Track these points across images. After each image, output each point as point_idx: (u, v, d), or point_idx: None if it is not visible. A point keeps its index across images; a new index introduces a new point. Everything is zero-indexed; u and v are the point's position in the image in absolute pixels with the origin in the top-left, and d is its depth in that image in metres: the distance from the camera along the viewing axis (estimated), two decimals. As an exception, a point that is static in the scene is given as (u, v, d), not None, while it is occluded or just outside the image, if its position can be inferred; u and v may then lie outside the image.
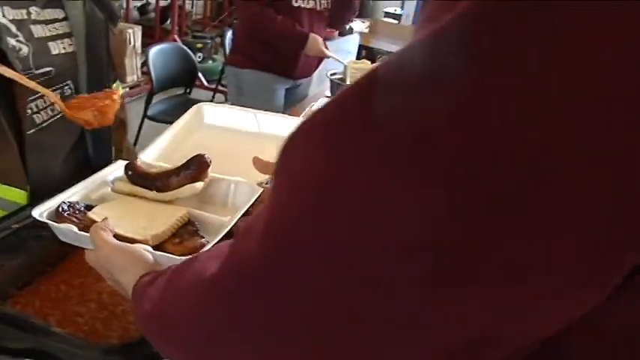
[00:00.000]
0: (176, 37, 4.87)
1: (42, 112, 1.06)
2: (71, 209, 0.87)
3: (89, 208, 0.89)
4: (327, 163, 0.35)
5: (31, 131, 1.03)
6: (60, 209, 0.86)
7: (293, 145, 0.39)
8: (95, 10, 1.17)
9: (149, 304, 0.54)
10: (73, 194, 0.91)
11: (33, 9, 1.08)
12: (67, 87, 1.15)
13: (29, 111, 1.05)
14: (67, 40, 1.13)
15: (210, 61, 5.26)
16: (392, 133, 0.32)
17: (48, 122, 1.07)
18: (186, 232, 0.87)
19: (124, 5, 5.52)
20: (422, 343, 0.35)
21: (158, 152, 1.11)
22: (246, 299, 0.39)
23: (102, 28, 1.18)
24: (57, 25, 1.11)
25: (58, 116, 1.07)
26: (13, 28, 1.00)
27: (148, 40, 4.44)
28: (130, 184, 0.97)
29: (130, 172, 0.98)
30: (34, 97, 1.04)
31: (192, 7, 6.20)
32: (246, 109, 1.29)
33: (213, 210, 0.98)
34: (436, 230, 0.31)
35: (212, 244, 0.81)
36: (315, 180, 0.36)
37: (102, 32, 1.18)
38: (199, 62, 4.33)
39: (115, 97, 0.95)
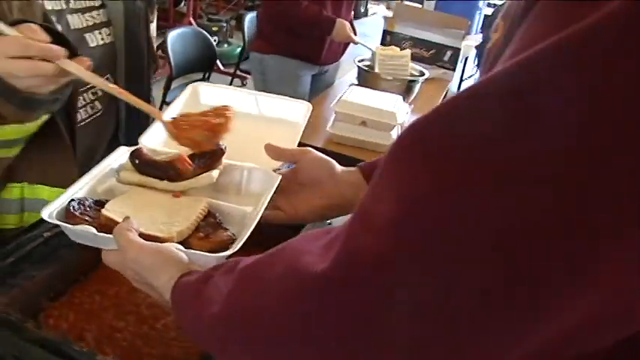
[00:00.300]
0: (191, 20, 4.78)
1: (81, 110, 1.00)
2: (82, 207, 0.77)
3: (98, 203, 0.80)
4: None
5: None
6: (71, 208, 0.76)
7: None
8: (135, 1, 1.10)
9: (217, 305, 0.50)
10: (79, 189, 0.82)
11: (74, 1, 1.01)
12: (111, 79, 1.08)
13: (81, 101, 1.01)
14: (104, 30, 1.06)
15: (225, 45, 5.17)
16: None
17: (86, 121, 1.00)
18: (209, 224, 0.79)
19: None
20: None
21: (157, 136, 1.01)
22: (366, 296, 0.37)
23: (142, 16, 1.11)
24: (94, 13, 1.04)
25: (98, 114, 1.01)
26: (54, 20, 0.93)
27: (162, 24, 4.34)
28: (138, 174, 0.87)
29: (136, 161, 0.87)
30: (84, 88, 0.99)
31: (206, -11, 6.10)
32: (244, 89, 1.21)
33: (227, 198, 0.90)
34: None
35: (242, 239, 0.73)
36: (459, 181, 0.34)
37: (142, 20, 1.12)
38: (216, 46, 4.24)
39: (229, 113, 0.86)
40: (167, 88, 3.06)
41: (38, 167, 0.92)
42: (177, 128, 0.86)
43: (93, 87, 1.04)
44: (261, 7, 2.72)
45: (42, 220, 0.86)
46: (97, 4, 1.06)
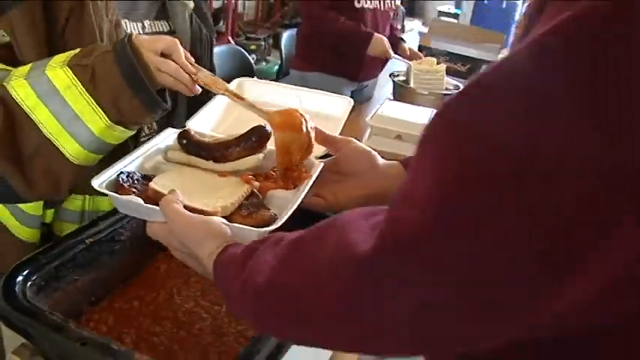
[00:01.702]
0: (230, 38, 4.87)
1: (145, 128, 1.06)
2: (130, 180, 0.81)
3: (146, 178, 0.83)
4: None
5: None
6: (120, 180, 0.80)
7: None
8: (200, 25, 1.14)
9: (262, 275, 0.52)
10: (129, 164, 0.85)
11: (146, 22, 1.06)
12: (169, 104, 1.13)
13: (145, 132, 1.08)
14: None
15: (263, 63, 5.24)
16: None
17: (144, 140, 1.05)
18: (252, 204, 0.81)
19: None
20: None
21: (203, 122, 1.06)
22: (408, 273, 0.39)
23: (207, 42, 1.16)
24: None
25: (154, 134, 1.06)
26: None
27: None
28: (185, 154, 0.91)
29: (184, 141, 0.91)
30: None
31: (243, 9, 6.20)
32: (286, 85, 1.26)
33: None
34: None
35: (284, 217, 0.75)
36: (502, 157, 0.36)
37: (206, 46, 1.17)
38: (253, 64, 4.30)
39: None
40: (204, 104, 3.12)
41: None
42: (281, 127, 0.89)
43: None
44: (301, 25, 2.77)
45: (84, 228, 0.90)
46: (165, 29, 1.10)
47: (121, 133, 0.89)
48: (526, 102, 0.35)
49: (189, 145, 0.92)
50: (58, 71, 0.82)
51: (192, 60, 0.89)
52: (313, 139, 0.89)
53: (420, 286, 0.39)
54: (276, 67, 4.28)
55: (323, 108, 1.16)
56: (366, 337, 0.45)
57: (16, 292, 0.73)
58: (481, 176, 0.36)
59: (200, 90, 0.91)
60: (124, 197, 0.77)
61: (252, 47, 5.10)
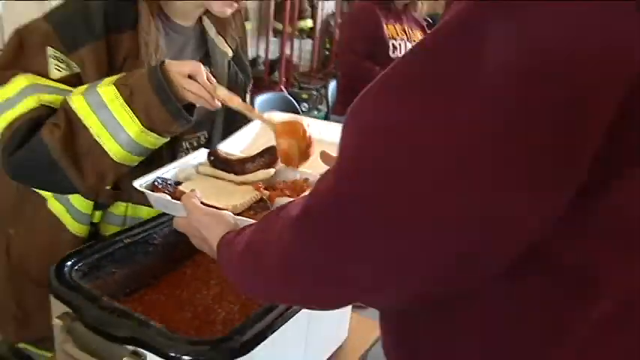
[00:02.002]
0: (282, 87, 5.14)
1: (182, 153, 1.24)
2: (164, 183, 1.02)
3: (178, 184, 1.04)
4: (393, 121, 0.48)
5: None
6: (155, 182, 1.02)
7: (362, 107, 0.52)
8: (237, 70, 1.34)
9: (240, 246, 0.68)
10: (165, 172, 1.07)
11: None
12: (202, 137, 1.32)
13: (185, 145, 1.28)
14: None
15: (315, 112, 5.50)
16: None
17: None
18: (260, 207, 1.00)
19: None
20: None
21: (234, 145, 1.25)
22: (319, 234, 0.53)
23: (242, 86, 1.35)
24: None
25: None
26: None
27: (256, 91, 4.72)
28: (212, 168, 1.12)
29: (212, 158, 1.13)
30: (188, 136, 1.26)
31: (299, 60, 6.51)
32: (311, 118, 1.41)
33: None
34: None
35: None
36: (384, 134, 0.49)
37: (241, 90, 1.35)
38: (305, 112, 4.54)
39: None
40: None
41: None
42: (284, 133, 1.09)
43: (191, 138, 1.30)
44: (339, 72, 2.98)
45: (124, 230, 1.09)
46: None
47: (155, 140, 1.08)
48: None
49: (216, 161, 1.13)
50: (106, 88, 1.03)
51: (214, 81, 1.08)
52: (313, 146, 1.07)
53: (338, 239, 0.52)
54: (325, 116, 4.51)
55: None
56: (306, 288, 0.59)
57: (64, 273, 0.91)
58: (372, 156, 0.49)
59: (219, 105, 1.09)
60: (156, 194, 0.97)
61: (305, 96, 5.37)
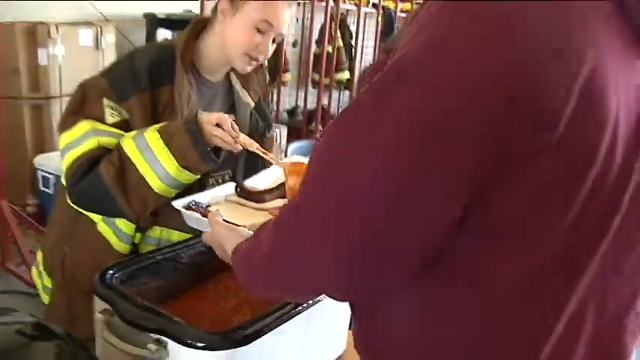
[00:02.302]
0: (318, 136, 5.39)
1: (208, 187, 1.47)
2: (196, 205, 1.27)
3: (208, 206, 1.29)
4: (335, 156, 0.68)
5: None
6: (190, 204, 1.27)
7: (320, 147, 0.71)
8: (258, 119, 1.57)
9: (243, 251, 0.91)
10: (199, 197, 1.32)
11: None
12: (226, 175, 1.54)
13: (211, 181, 1.50)
14: None
15: (348, 159, 5.71)
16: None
17: None
18: None
19: (275, 108, 6.26)
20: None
21: (257, 182, 1.49)
22: (286, 227, 0.75)
23: (262, 133, 1.58)
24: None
25: None
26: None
27: (294, 139, 4.98)
28: (237, 197, 1.38)
29: (238, 189, 1.40)
30: (215, 174, 1.49)
31: (337, 110, 6.79)
32: None
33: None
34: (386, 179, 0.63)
35: None
36: (323, 173, 0.69)
37: (262, 135, 1.58)
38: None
39: None
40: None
41: (176, 218, 1.33)
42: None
43: (217, 175, 1.52)
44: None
45: (157, 249, 1.30)
46: (232, 118, 1.53)
47: (188, 176, 1.32)
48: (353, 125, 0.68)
49: (241, 191, 1.38)
50: (151, 133, 1.28)
51: (237, 128, 1.32)
52: None
53: (304, 238, 0.71)
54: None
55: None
56: (287, 282, 0.79)
57: (106, 279, 1.12)
58: (323, 171, 0.69)
59: (241, 148, 1.33)
60: (189, 212, 1.21)
61: (339, 145, 5.59)
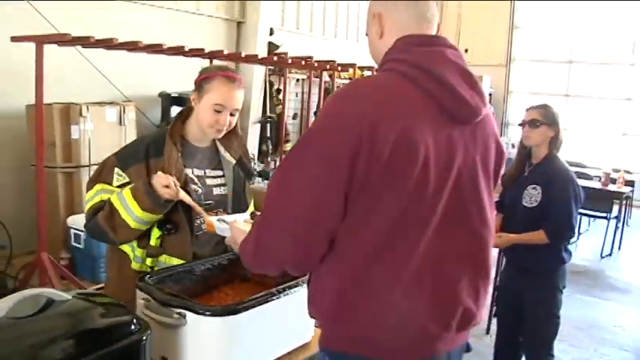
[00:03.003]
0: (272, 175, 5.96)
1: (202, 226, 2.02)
2: (223, 222, 1.79)
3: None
4: (284, 172, 1.32)
5: (198, 233, 2.00)
6: (218, 220, 1.81)
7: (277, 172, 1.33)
8: (240, 171, 2.15)
9: (242, 242, 1.47)
10: (227, 218, 1.83)
11: (207, 170, 2.08)
12: (219, 212, 2.11)
13: (197, 222, 2.03)
14: (223, 187, 2.11)
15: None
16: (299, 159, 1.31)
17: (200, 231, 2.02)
18: None
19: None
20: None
21: None
22: (259, 225, 1.36)
23: (243, 182, 2.16)
24: (218, 179, 2.10)
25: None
26: (196, 180, 2.00)
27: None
28: (251, 219, 1.85)
29: (252, 216, 1.90)
30: (212, 211, 2.03)
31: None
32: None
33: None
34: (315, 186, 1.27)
35: None
36: (282, 177, 1.32)
37: (243, 185, 2.17)
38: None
39: None
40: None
41: (177, 249, 1.96)
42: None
43: (214, 212, 2.06)
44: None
45: (174, 266, 1.85)
46: (219, 174, 2.12)
47: (150, 216, 1.89)
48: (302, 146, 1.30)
49: (254, 216, 1.90)
50: (126, 190, 1.89)
51: (178, 185, 1.88)
52: None
53: (269, 230, 1.32)
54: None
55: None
56: (264, 262, 1.39)
57: (145, 280, 1.67)
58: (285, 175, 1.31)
59: (181, 197, 1.90)
60: (222, 225, 1.76)
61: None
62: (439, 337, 1.34)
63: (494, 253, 1.50)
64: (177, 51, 4.43)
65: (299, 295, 1.68)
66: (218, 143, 2.13)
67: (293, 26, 8.09)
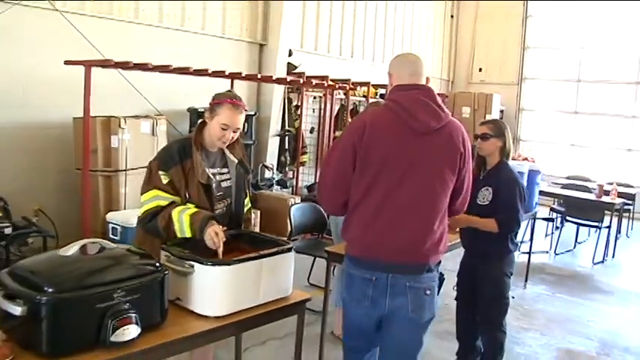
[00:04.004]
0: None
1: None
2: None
3: None
4: (329, 153, 2.50)
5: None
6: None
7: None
8: (241, 169, 2.82)
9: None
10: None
11: (217, 169, 2.75)
12: (229, 200, 2.76)
13: (219, 205, 2.71)
14: (228, 181, 2.78)
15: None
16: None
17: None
18: None
19: (294, 183, 7.56)
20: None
21: None
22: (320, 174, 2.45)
23: (244, 176, 2.84)
24: (225, 175, 2.77)
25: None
26: (212, 178, 2.65)
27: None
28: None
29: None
30: (220, 202, 2.71)
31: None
32: None
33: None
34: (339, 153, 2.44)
35: None
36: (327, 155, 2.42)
37: (244, 179, 2.84)
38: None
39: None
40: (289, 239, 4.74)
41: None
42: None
43: (222, 202, 2.73)
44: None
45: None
46: (226, 171, 2.78)
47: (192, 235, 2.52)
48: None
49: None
50: (186, 216, 2.48)
51: (222, 238, 2.46)
52: None
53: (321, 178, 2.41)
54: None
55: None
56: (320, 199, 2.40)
57: (167, 244, 2.34)
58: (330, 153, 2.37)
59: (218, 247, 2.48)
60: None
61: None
62: (387, 251, 2.36)
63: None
64: (202, 73, 5.15)
65: (278, 260, 2.38)
66: (225, 148, 2.80)
67: (312, 47, 8.79)
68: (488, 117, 10.67)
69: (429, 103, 2.37)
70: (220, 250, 2.36)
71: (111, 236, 4.81)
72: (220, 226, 2.42)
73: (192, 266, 2.18)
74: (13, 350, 1.73)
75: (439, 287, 2.52)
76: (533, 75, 11.94)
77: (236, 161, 2.79)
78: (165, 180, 2.55)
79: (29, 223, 4.77)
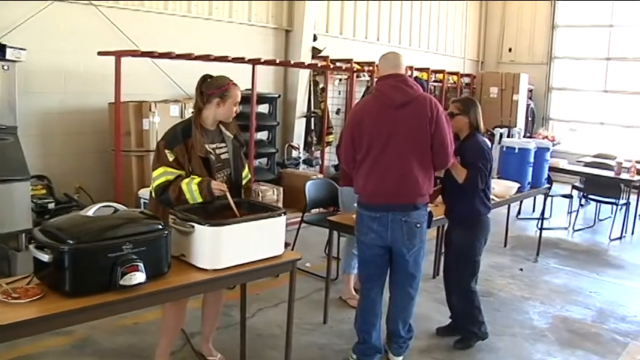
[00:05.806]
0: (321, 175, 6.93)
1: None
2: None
3: None
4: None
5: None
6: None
7: None
8: (236, 142, 3.22)
9: None
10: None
11: (216, 144, 3.16)
12: (228, 171, 3.17)
13: (219, 174, 3.12)
14: (226, 154, 3.19)
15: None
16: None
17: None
18: None
19: (320, 162, 7.92)
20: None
21: None
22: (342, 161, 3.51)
23: (239, 148, 3.25)
24: (223, 148, 3.19)
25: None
26: (212, 152, 3.07)
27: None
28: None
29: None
30: (220, 171, 3.15)
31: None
32: None
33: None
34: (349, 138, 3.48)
35: None
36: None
37: (239, 150, 3.25)
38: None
39: None
40: (304, 213, 5.13)
41: None
42: None
43: (222, 172, 3.15)
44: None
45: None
46: (224, 145, 3.19)
47: (202, 199, 2.94)
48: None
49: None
50: (194, 185, 2.91)
51: (224, 187, 2.94)
52: None
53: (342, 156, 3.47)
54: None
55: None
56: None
57: (174, 208, 2.75)
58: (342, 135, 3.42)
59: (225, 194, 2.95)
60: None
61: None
62: (383, 196, 3.32)
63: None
64: (223, 59, 5.57)
65: (270, 223, 2.76)
66: (220, 125, 3.19)
67: (337, 32, 9.09)
68: (515, 97, 10.83)
69: (399, 85, 3.32)
70: (234, 206, 2.87)
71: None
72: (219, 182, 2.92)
73: (193, 227, 2.59)
74: (43, 290, 2.18)
75: (429, 222, 3.49)
76: (562, 54, 11.95)
77: (231, 136, 3.21)
78: (171, 157, 2.97)
79: (70, 199, 5.31)
